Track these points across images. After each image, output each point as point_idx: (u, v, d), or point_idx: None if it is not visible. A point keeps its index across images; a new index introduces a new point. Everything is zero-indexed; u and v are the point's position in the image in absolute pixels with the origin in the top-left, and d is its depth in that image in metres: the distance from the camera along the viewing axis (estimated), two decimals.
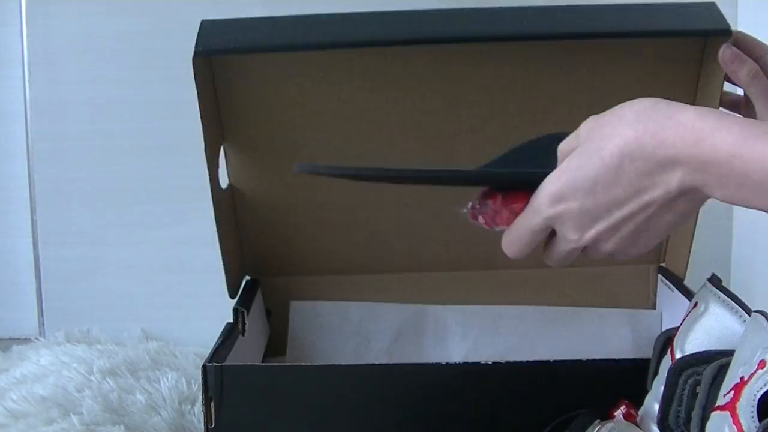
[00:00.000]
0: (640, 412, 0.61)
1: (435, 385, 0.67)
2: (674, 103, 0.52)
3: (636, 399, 0.62)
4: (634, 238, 0.54)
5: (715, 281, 0.59)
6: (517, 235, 0.57)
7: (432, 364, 0.71)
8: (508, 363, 0.66)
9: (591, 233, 0.54)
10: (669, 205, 0.52)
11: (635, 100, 0.53)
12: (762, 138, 0.48)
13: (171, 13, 1.10)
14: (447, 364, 0.68)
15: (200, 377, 0.67)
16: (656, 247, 0.76)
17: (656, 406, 0.58)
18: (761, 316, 0.51)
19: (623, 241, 0.54)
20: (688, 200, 0.52)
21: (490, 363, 0.67)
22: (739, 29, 0.73)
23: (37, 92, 1.13)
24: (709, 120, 0.49)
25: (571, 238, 0.55)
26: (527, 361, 0.69)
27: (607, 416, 0.61)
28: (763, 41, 0.74)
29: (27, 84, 1.13)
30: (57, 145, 1.13)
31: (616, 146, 0.51)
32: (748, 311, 0.56)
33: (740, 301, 0.57)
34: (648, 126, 0.51)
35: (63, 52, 1.12)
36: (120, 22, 1.11)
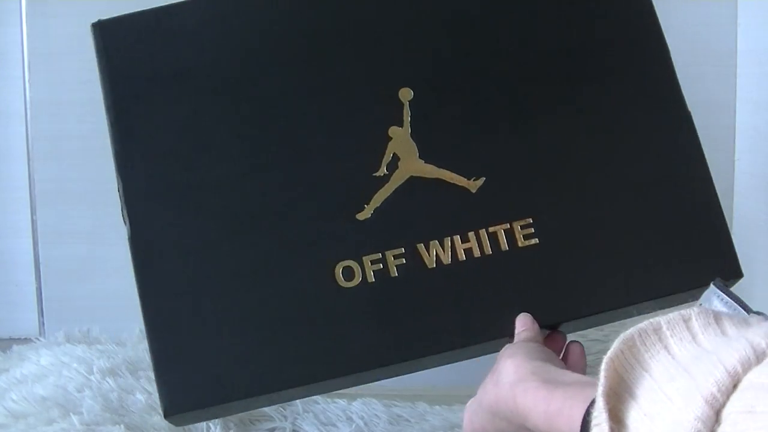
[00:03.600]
0: None
1: None
2: None
3: None
4: None
5: (720, 284, 0.59)
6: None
7: None
8: None
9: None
10: None
11: None
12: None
13: None
14: None
15: None
16: None
17: None
18: (760, 316, 0.51)
19: None
20: None
21: None
22: (739, 29, 0.74)
23: (37, 92, 1.13)
24: None
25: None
26: None
27: None
28: None
29: (27, 84, 1.13)
30: (57, 145, 1.13)
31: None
32: (750, 313, 0.56)
33: (744, 303, 0.57)
34: None
35: (63, 52, 1.12)
36: None
